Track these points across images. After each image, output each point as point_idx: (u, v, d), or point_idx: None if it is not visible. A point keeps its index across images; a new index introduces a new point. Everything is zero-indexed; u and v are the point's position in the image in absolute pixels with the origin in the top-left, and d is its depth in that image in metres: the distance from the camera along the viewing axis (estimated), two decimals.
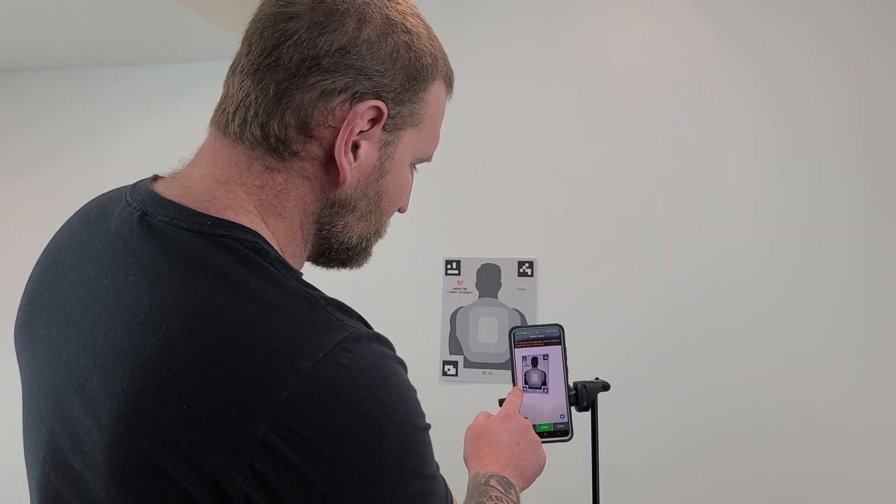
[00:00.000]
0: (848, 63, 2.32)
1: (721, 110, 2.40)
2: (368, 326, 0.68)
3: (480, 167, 2.58)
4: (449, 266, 2.60)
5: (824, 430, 2.23)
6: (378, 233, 0.79)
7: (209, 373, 0.57)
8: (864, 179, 2.28)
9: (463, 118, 2.59)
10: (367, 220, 0.76)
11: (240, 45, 0.72)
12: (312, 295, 0.63)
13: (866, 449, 2.20)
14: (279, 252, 0.67)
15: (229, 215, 0.66)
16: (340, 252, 0.76)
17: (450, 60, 0.79)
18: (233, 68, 0.72)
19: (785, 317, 2.29)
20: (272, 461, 0.55)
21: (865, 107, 2.30)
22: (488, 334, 2.55)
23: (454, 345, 2.55)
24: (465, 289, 2.58)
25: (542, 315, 2.49)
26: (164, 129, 2.91)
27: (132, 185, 0.73)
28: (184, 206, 0.66)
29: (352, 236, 0.75)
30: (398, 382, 0.62)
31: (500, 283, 2.56)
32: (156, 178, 0.73)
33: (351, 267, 0.80)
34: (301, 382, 0.56)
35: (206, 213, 0.65)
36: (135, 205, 0.69)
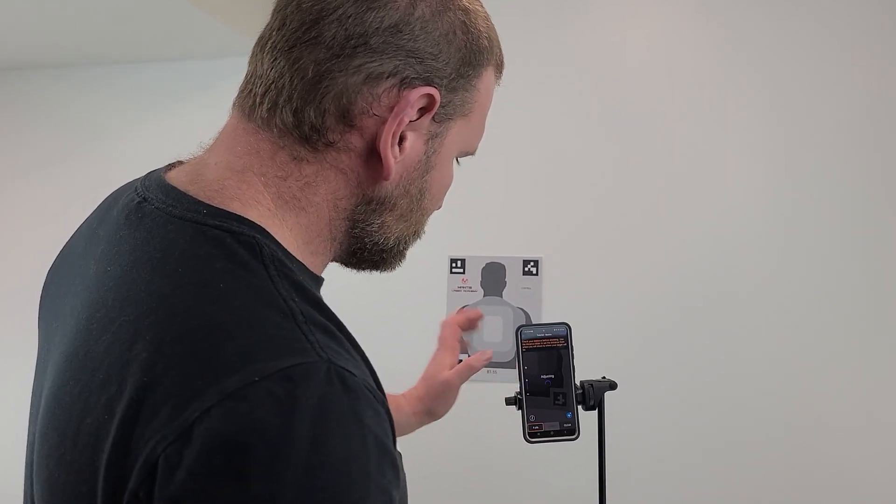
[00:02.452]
0: (858, 63, 2.31)
1: (730, 111, 2.39)
2: (368, 365, 0.59)
3: (486, 165, 2.57)
4: (453, 265, 2.59)
5: (833, 434, 2.22)
6: (417, 234, 0.73)
7: (137, 380, 0.50)
8: (876, 181, 2.26)
9: None
10: (406, 221, 0.69)
11: (270, 16, 0.64)
12: (293, 308, 0.54)
13: (876, 454, 2.19)
14: (288, 249, 0.60)
15: (235, 206, 0.59)
16: (374, 253, 0.69)
17: None
18: (261, 44, 0.64)
19: (793, 318, 2.28)
20: (150, 490, 0.47)
21: (876, 107, 2.28)
22: (493, 333, 2.54)
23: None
24: (470, 287, 2.57)
25: (548, 314, 2.48)
26: (170, 128, 2.91)
27: (150, 171, 0.68)
28: (184, 194, 0.60)
29: (388, 237, 0.68)
30: (341, 447, 0.49)
31: (505, 282, 2.55)
32: (172, 165, 0.67)
33: (383, 269, 0.73)
34: (219, 405, 0.47)
35: (206, 201, 0.59)
36: (140, 191, 0.63)
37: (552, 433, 1.11)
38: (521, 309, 2.52)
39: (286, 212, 0.62)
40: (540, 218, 2.52)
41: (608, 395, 1.15)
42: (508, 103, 2.58)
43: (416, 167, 0.66)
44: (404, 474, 0.74)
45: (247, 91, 0.64)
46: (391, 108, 0.61)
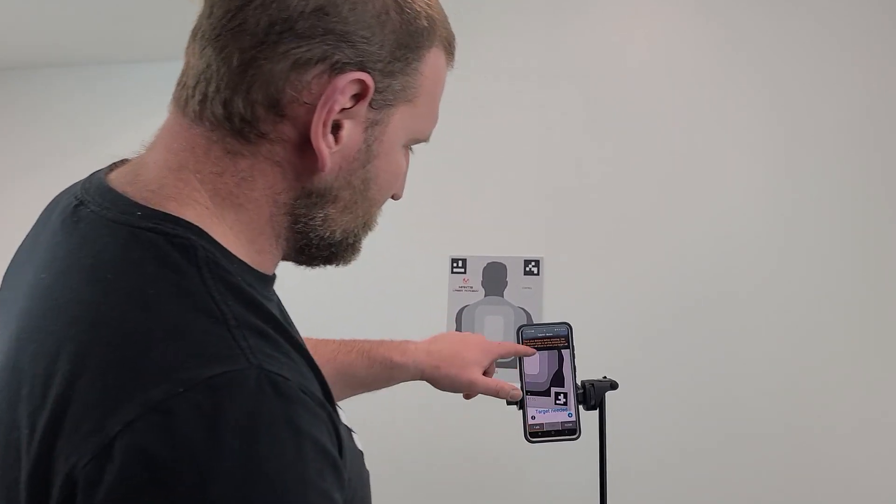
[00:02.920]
0: (858, 63, 2.30)
1: (729, 110, 2.39)
2: (313, 366, 0.57)
3: (487, 165, 2.57)
4: (455, 264, 2.59)
5: (833, 433, 2.21)
6: (367, 225, 0.69)
7: (59, 393, 0.48)
8: (876, 181, 2.25)
9: (470, 116, 2.58)
10: (352, 212, 0.65)
11: (202, 4, 0.61)
12: (225, 312, 0.52)
13: (877, 454, 2.18)
14: (229, 248, 0.58)
15: (171, 207, 0.57)
16: (322, 248, 0.66)
17: (456, 54, 0.72)
18: (193, 33, 0.61)
19: (793, 318, 2.27)
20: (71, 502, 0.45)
21: (876, 107, 2.28)
22: (494, 333, 2.54)
23: None
24: (471, 287, 2.57)
25: (548, 314, 2.49)
26: None
27: (94, 172, 0.66)
28: (121, 195, 0.59)
29: (335, 230, 0.65)
30: (274, 456, 0.47)
31: (506, 282, 2.55)
32: (116, 165, 0.66)
33: (336, 264, 0.69)
34: (141, 418, 0.45)
35: (142, 203, 0.57)
36: (79, 194, 0.62)
37: (553, 433, 1.10)
38: (522, 308, 2.53)
39: (225, 209, 0.59)
40: (541, 218, 2.52)
41: (609, 394, 1.15)
42: (509, 103, 2.58)
43: (356, 157, 0.62)
44: (367, 473, 0.72)
45: (181, 84, 0.62)
46: (321, 96, 0.58)
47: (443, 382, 1.08)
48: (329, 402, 0.57)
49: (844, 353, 2.23)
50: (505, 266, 2.55)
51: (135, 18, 2.55)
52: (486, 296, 2.56)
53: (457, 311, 2.56)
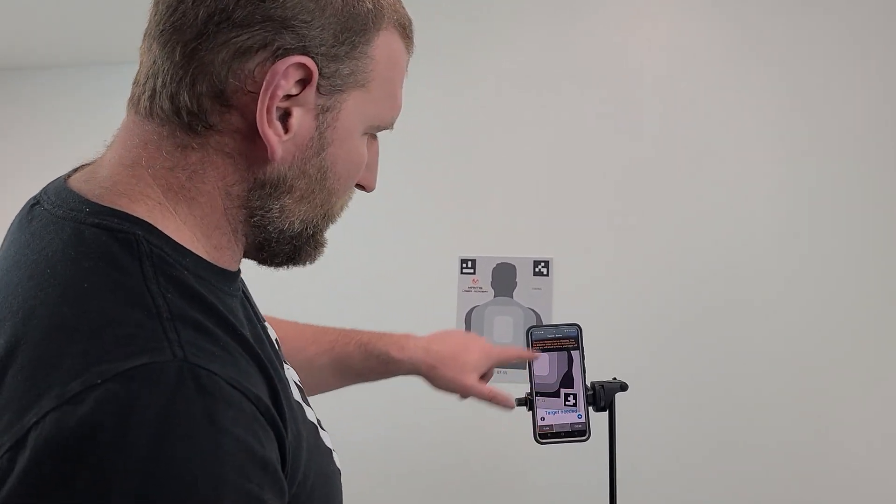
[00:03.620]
0: (878, 59, 2.28)
1: (745, 111, 2.37)
2: (260, 363, 0.57)
3: (496, 166, 2.57)
4: (464, 265, 2.59)
5: (842, 441, 2.20)
6: (329, 216, 0.67)
7: None
8: (894, 185, 2.23)
9: (478, 117, 2.58)
10: (309, 202, 0.64)
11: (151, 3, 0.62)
12: (160, 305, 0.52)
13: (886, 463, 2.17)
14: (182, 243, 0.58)
15: (122, 203, 0.58)
16: (283, 242, 0.65)
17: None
18: (144, 33, 0.62)
19: (808, 325, 2.25)
20: None
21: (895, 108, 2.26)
22: (503, 334, 2.53)
23: None
24: (481, 288, 2.57)
25: (558, 315, 2.48)
26: None
27: (62, 174, 0.67)
28: (73, 193, 0.60)
29: (293, 221, 0.64)
30: (186, 452, 0.46)
31: (516, 283, 2.54)
32: (83, 166, 0.67)
33: (303, 262, 0.68)
34: (56, 409, 0.45)
35: (94, 200, 0.58)
36: (39, 193, 0.64)
37: (563, 434, 1.10)
38: (532, 309, 2.52)
39: (178, 204, 0.59)
40: (551, 218, 2.51)
41: (619, 396, 1.14)
42: (518, 103, 2.57)
43: (310, 145, 0.62)
44: (336, 471, 0.71)
45: (135, 82, 0.63)
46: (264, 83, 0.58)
47: (438, 382, 1.08)
48: (275, 400, 0.57)
49: (858, 359, 2.21)
50: (514, 267, 2.55)
51: (135, 18, 2.56)
52: (495, 296, 2.56)
53: (466, 312, 2.56)
